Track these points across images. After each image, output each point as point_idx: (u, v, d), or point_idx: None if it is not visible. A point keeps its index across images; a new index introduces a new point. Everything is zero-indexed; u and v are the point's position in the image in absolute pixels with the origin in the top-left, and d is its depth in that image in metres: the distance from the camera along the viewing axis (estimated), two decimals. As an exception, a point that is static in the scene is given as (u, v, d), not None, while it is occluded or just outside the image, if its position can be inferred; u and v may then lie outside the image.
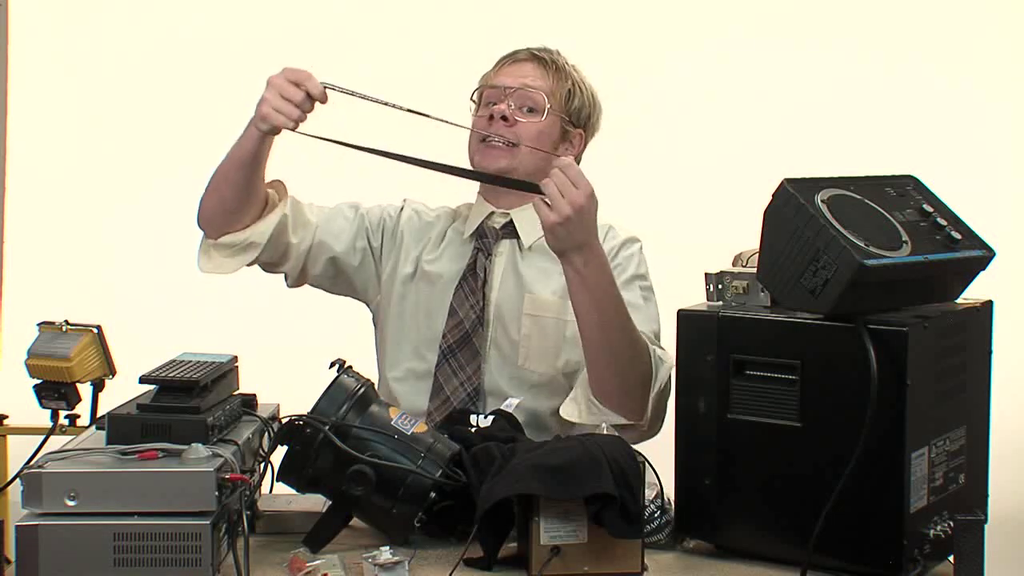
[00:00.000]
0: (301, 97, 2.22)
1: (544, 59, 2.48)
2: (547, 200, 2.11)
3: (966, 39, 4.36)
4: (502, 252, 2.46)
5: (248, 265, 2.42)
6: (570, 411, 2.30)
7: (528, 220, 2.41)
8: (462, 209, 2.56)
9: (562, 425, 2.37)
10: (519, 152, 2.41)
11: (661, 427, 2.29)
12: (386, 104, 2.25)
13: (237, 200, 2.34)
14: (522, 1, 4.35)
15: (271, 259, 2.43)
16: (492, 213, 2.49)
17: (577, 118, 2.49)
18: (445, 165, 2.28)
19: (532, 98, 2.43)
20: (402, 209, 2.56)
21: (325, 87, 2.24)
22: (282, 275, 2.50)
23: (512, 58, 2.50)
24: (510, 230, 2.46)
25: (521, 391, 2.38)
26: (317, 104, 2.25)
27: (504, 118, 2.41)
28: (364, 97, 2.25)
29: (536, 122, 2.43)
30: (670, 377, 2.26)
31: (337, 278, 2.51)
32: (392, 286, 2.50)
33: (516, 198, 2.45)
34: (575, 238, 2.13)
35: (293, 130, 2.23)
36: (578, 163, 2.50)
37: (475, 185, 2.52)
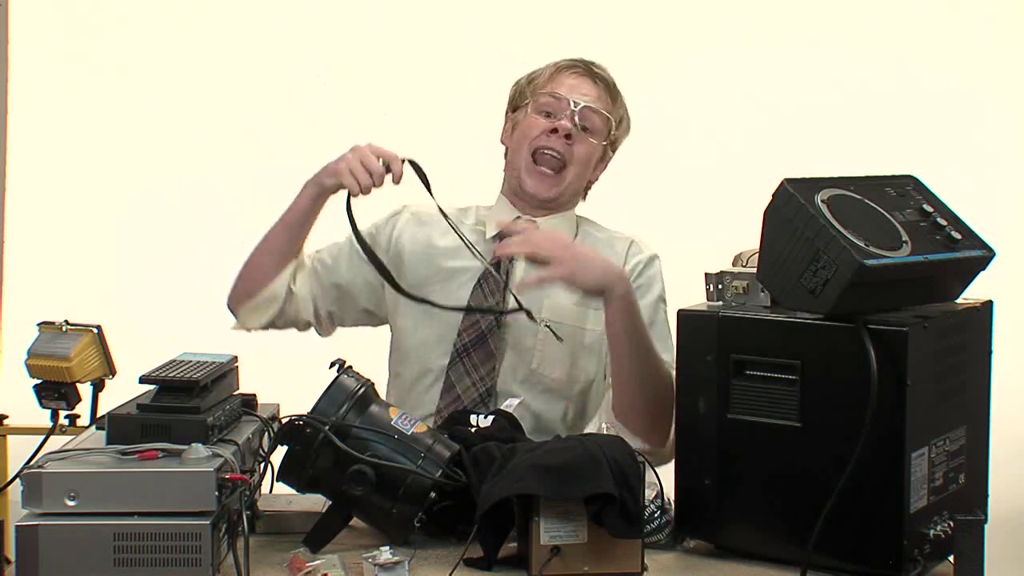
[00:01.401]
0: (381, 172, 2.28)
1: (606, 79, 2.50)
2: (543, 261, 2.16)
3: (966, 39, 4.36)
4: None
5: (274, 327, 2.48)
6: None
7: (554, 229, 2.41)
8: (475, 210, 2.56)
9: (568, 429, 2.39)
10: (566, 177, 2.44)
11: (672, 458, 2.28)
12: (446, 218, 2.37)
13: (277, 268, 2.42)
14: (523, 2, 4.34)
15: (291, 313, 2.48)
16: (518, 218, 2.48)
17: (615, 143, 2.53)
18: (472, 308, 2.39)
19: (593, 119, 2.46)
20: (397, 215, 2.56)
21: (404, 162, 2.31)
22: (313, 329, 2.54)
23: (570, 69, 2.50)
24: None
25: (533, 395, 2.38)
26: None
27: (567, 135, 2.42)
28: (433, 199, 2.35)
29: (592, 144, 2.46)
30: None
31: (353, 307, 2.53)
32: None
33: (546, 209, 2.48)
34: (597, 265, 2.19)
35: (358, 196, 2.30)
36: (596, 180, 2.57)
37: (489, 193, 2.56)
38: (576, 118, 2.43)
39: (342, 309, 2.52)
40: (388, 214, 2.57)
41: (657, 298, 2.44)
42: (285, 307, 2.45)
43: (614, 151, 2.55)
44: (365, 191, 2.28)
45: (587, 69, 2.50)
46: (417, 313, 2.44)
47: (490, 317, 2.40)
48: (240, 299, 2.47)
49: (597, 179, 2.56)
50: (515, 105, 2.54)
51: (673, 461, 2.02)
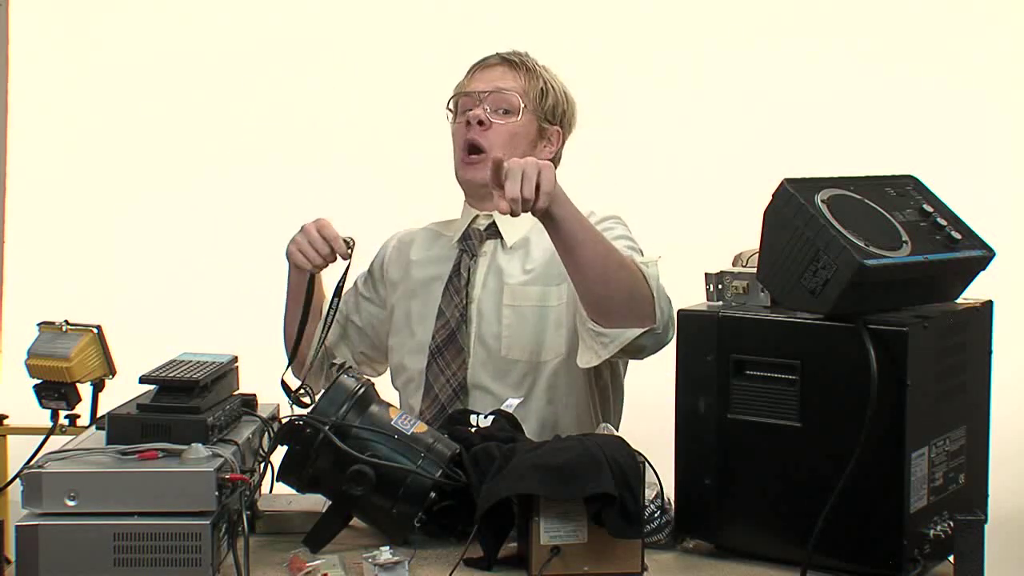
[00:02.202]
0: (328, 251, 2.32)
1: (514, 61, 2.54)
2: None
3: (966, 39, 4.35)
4: (486, 252, 2.51)
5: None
6: (587, 357, 2.31)
7: (510, 219, 2.43)
8: (448, 225, 2.61)
9: (574, 426, 2.42)
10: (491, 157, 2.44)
11: (674, 332, 2.20)
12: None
13: (307, 335, 2.44)
14: (523, 2, 4.35)
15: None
16: (476, 216, 2.54)
17: (552, 115, 2.54)
18: None
19: (507, 99, 2.49)
20: (385, 245, 2.65)
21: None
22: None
23: (482, 64, 2.56)
24: (494, 231, 2.52)
25: (505, 387, 2.41)
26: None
27: (480, 122, 2.46)
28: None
29: (512, 123, 2.48)
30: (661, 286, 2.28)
31: (379, 341, 2.62)
32: (394, 307, 2.58)
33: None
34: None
35: (316, 272, 2.37)
36: (559, 159, 2.58)
37: (456, 201, 2.59)
38: (489, 105, 2.48)
39: (372, 347, 2.63)
40: (381, 245, 2.67)
41: (616, 236, 2.40)
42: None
43: (561, 124, 2.55)
44: (320, 268, 2.35)
45: (497, 57, 2.55)
46: (402, 330, 2.55)
47: (457, 314, 2.45)
48: (298, 370, 2.55)
49: (553, 156, 2.55)
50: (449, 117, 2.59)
51: (673, 461, 2.01)
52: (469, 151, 2.48)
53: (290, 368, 2.58)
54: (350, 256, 2.35)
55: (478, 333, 2.45)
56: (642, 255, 2.40)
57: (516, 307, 2.45)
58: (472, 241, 2.52)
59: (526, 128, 2.50)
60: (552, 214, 2.14)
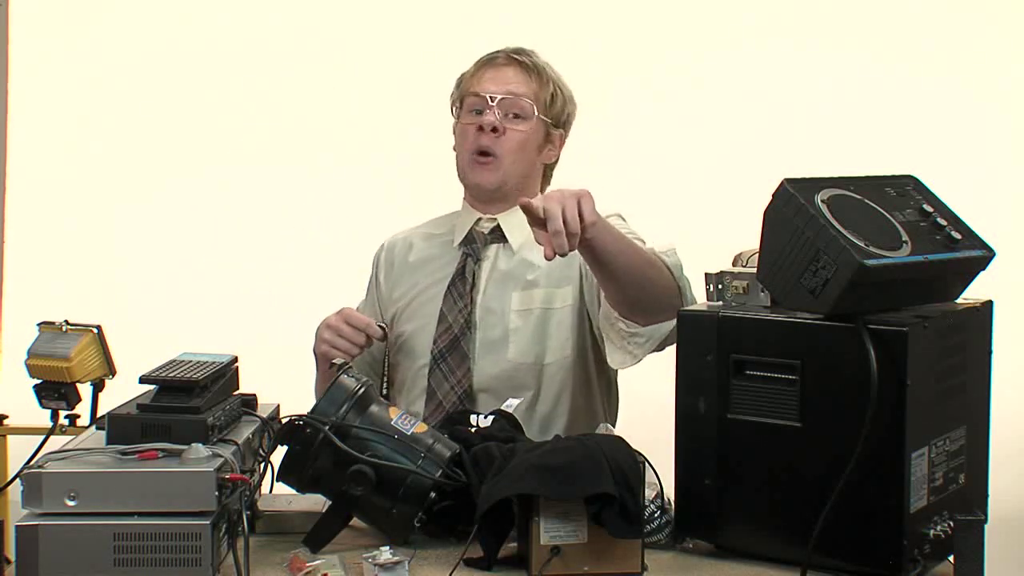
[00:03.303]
0: (363, 339, 2.35)
1: (525, 63, 2.50)
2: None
3: (966, 39, 4.36)
4: (489, 256, 2.50)
5: None
6: (620, 358, 2.31)
7: (516, 223, 2.43)
8: (441, 222, 2.60)
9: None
10: (503, 164, 2.45)
11: None
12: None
13: None
14: (522, 2, 4.35)
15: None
16: (479, 219, 2.53)
17: (558, 120, 2.53)
18: None
19: (519, 105, 2.47)
20: (376, 256, 2.63)
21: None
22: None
23: (491, 63, 2.52)
24: (498, 235, 2.51)
25: (511, 388, 2.41)
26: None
27: (494, 129, 2.44)
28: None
29: (524, 130, 2.46)
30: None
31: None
32: (394, 316, 2.56)
33: (503, 204, 2.49)
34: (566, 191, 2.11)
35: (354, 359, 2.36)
36: (557, 161, 2.57)
37: (454, 199, 2.57)
38: (500, 109, 2.46)
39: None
40: (372, 267, 2.65)
41: (627, 233, 2.38)
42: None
43: (563, 127, 2.55)
44: (356, 356, 2.37)
45: (507, 57, 2.52)
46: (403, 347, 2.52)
47: (461, 320, 2.44)
48: None
49: (554, 160, 2.56)
50: (455, 112, 2.57)
51: (673, 461, 2.01)
52: (479, 153, 2.46)
53: None
54: (386, 338, 2.38)
55: (483, 338, 2.44)
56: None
57: (523, 311, 2.44)
58: (476, 244, 2.51)
59: (536, 134, 2.49)
60: (592, 237, 2.07)
